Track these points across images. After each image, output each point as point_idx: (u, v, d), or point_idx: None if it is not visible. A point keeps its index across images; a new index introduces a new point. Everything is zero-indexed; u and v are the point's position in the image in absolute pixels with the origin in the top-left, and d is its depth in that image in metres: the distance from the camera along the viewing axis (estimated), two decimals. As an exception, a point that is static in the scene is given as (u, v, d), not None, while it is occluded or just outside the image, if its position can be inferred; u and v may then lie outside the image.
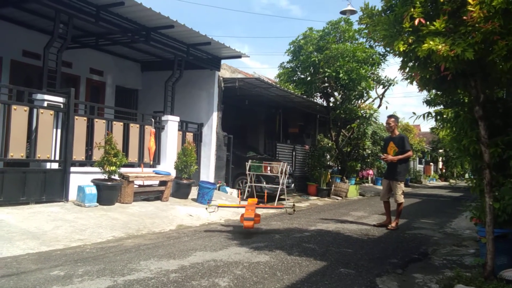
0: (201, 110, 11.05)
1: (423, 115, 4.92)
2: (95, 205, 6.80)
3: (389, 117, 7.87)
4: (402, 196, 7.57)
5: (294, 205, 6.20)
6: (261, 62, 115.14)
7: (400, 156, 7.45)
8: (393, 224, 7.45)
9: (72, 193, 6.94)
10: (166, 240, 5.52)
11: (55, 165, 6.97)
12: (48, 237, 5.04)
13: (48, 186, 6.64)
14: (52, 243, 4.87)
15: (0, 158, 6.32)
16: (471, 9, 3.41)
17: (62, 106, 7.07)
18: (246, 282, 3.75)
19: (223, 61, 11.39)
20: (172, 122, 9.61)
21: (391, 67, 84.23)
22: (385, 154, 7.59)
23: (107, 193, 7.06)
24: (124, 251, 4.77)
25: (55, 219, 5.80)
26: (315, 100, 15.01)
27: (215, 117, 11.00)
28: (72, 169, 7.13)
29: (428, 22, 3.67)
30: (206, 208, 6.24)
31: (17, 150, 6.38)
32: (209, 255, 4.74)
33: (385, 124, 8.02)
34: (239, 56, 10.86)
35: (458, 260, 5.18)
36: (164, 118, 9.53)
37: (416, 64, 4.11)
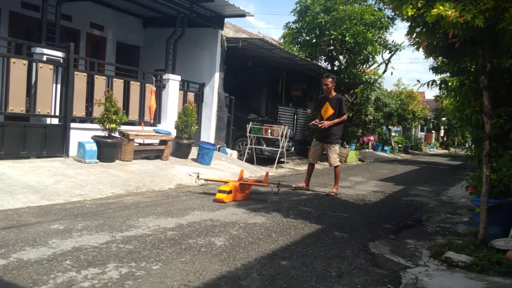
0: (203, 70, 10.88)
1: (428, 83, 4.81)
2: (95, 161, 6.85)
3: (327, 76, 7.27)
4: (338, 159, 7.24)
5: (279, 183, 6.30)
6: (266, 22, 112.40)
7: (336, 121, 7.04)
8: (334, 190, 7.08)
9: (73, 149, 6.98)
10: (165, 199, 5.60)
11: (55, 121, 6.97)
12: (49, 191, 5.12)
13: (48, 141, 6.67)
14: (52, 197, 4.95)
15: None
16: (485, -27, 3.26)
17: (61, 61, 6.96)
18: (242, 242, 3.83)
19: (227, 20, 11.08)
20: (173, 81, 9.50)
21: (399, 31, 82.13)
22: (322, 121, 7.10)
23: (107, 150, 7.10)
24: (123, 207, 4.85)
25: (56, 174, 5.87)
26: (319, 64, 14.77)
27: (217, 78, 10.86)
28: (72, 125, 7.13)
29: (439, -14, 3.52)
30: (196, 181, 6.43)
31: (16, 104, 6.36)
32: (207, 214, 4.82)
33: (323, 85, 7.33)
34: (243, 15, 10.57)
35: (451, 227, 5.27)
36: (165, 76, 9.42)
37: (424, 30, 3.98)
